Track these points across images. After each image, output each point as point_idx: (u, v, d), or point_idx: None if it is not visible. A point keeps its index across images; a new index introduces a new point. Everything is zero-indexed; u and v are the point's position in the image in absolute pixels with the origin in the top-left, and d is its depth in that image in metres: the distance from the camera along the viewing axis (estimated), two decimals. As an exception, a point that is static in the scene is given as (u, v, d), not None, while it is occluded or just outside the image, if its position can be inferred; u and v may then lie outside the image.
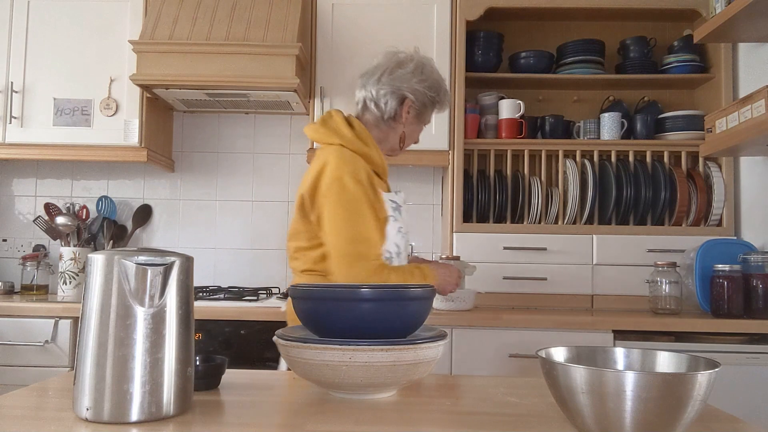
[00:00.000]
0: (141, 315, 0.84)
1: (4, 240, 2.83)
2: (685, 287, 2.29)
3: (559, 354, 0.89)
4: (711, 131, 2.31)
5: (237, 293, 2.39)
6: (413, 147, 1.82)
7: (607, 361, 0.90)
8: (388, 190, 1.67)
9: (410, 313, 1.02)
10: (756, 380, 2.00)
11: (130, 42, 2.36)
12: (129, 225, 2.79)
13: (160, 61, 2.34)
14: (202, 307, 2.15)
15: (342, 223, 1.49)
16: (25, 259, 2.64)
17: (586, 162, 2.51)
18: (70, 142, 2.49)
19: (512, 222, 2.53)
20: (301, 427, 0.83)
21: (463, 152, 2.50)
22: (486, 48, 2.60)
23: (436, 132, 2.45)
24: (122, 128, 2.50)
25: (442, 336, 1.02)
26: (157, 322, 0.85)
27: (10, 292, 2.62)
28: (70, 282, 2.54)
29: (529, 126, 2.61)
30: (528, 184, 2.52)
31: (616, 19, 2.71)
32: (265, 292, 2.52)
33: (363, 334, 0.97)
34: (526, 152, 2.53)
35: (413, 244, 2.76)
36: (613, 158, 2.52)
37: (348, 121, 1.65)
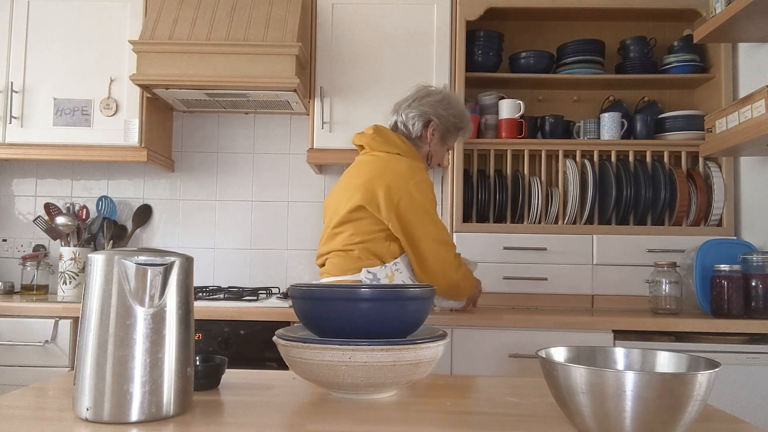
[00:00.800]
0: (141, 315, 0.84)
1: (4, 240, 2.83)
2: (685, 287, 2.29)
3: (559, 354, 0.89)
4: (711, 131, 2.31)
5: (237, 293, 2.39)
6: None
7: (607, 361, 0.90)
8: None
9: (410, 313, 1.02)
10: (756, 380, 2.00)
11: (130, 42, 2.36)
12: (129, 225, 2.79)
13: (160, 61, 2.34)
14: (202, 307, 2.15)
15: (433, 216, 1.81)
16: (25, 259, 2.64)
17: (586, 162, 2.51)
18: (70, 142, 2.49)
19: (512, 222, 2.53)
20: (301, 427, 0.83)
21: (463, 152, 2.50)
22: (486, 48, 2.60)
23: (436, 132, 2.45)
24: (122, 128, 2.50)
25: (442, 336, 1.02)
26: (157, 322, 0.85)
27: (10, 292, 2.62)
28: (70, 282, 2.54)
29: (529, 126, 2.61)
30: (528, 184, 2.52)
31: (616, 19, 2.71)
32: (264, 292, 2.52)
33: (363, 334, 0.97)
34: (526, 152, 2.53)
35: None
36: (613, 158, 2.52)
37: (398, 137, 1.91)
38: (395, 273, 1.80)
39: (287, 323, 2.11)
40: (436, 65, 2.48)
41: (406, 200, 1.76)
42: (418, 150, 1.93)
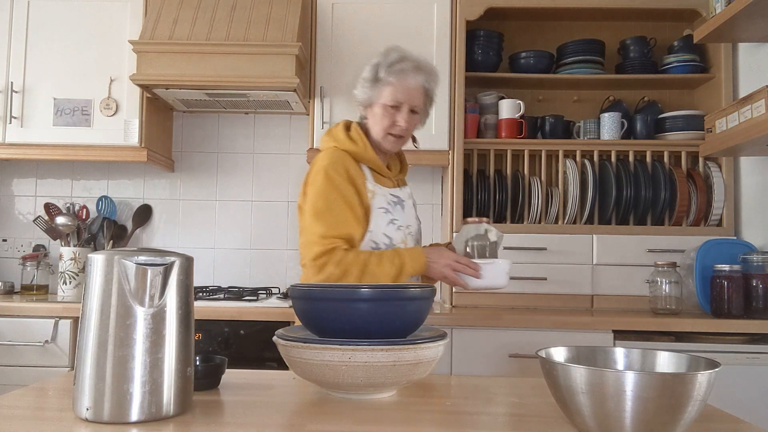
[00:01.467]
0: (141, 315, 0.84)
1: (4, 240, 2.83)
2: (685, 287, 2.29)
3: (559, 354, 0.89)
4: (711, 131, 2.31)
5: (237, 293, 2.39)
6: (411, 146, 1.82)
7: (607, 361, 0.90)
8: (395, 185, 1.76)
9: (410, 313, 1.02)
10: (756, 380, 2.00)
11: (130, 42, 2.36)
12: (129, 225, 2.79)
13: (160, 61, 2.34)
14: (202, 307, 2.15)
15: (309, 210, 1.59)
16: (25, 259, 2.64)
17: (586, 162, 2.51)
18: (70, 142, 2.49)
19: (512, 222, 2.53)
20: (301, 427, 0.83)
21: (463, 152, 2.50)
22: (486, 47, 2.60)
23: (436, 132, 2.45)
24: (122, 128, 2.50)
25: (442, 336, 1.02)
26: (157, 322, 0.85)
27: (10, 292, 2.62)
28: (70, 282, 2.54)
29: (529, 126, 2.61)
30: (528, 184, 2.52)
31: (616, 19, 2.71)
32: (264, 292, 2.52)
33: (363, 334, 0.97)
34: (526, 152, 2.53)
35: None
36: (613, 158, 2.52)
37: (347, 125, 1.75)
38: None
39: (287, 323, 2.11)
40: (436, 65, 2.45)
41: (303, 193, 1.65)
42: (368, 131, 1.72)
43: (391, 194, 1.70)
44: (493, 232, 1.70)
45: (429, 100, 1.75)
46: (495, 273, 1.62)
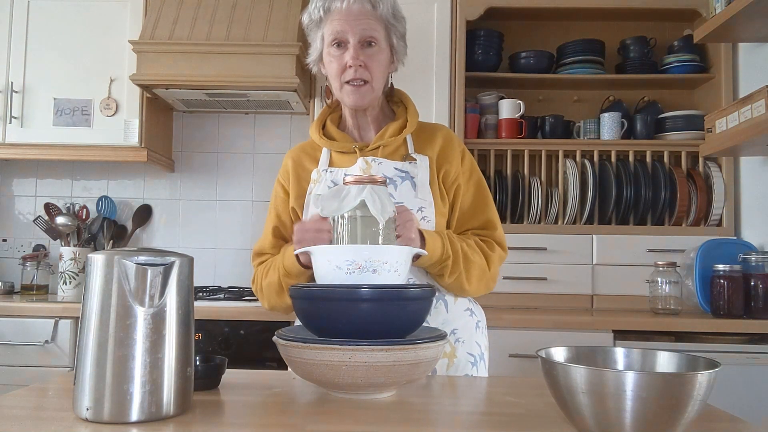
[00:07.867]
0: (141, 315, 0.84)
1: (4, 240, 2.83)
2: (685, 287, 2.29)
3: (559, 354, 0.89)
4: (711, 131, 2.31)
5: (237, 293, 2.39)
6: None
7: (607, 361, 0.90)
8: (353, 163, 1.34)
9: (410, 313, 1.01)
10: (756, 380, 2.00)
11: (130, 42, 2.36)
12: (129, 225, 2.79)
13: (160, 61, 2.34)
14: (202, 307, 2.15)
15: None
16: (25, 259, 2.64)
17: (586, 162, 2.51)
18: (70, 142, 2.49)
19: (512, 222, 2.53)
20: (301, 427, 0.83)
21: (463, 152, 2.49)
22: (486, 47, 2.60)
23: (436, 132, 2.45)
24: (122, 128, 2.50)
25: (442, 336, 1.02)
26: (157, 322, 0.85)
27: (10, 292, 2.62)
28: (70, 282, 2.54)
29: (529, 126, 2.61)
30: (528, 184, 2.52)
31: (616, 19, 2.71)
32: (265, 292, 2.52)
33: (363, 334, 0.97)
34: (526, 152, 2.53)
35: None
36: (613, 158, 2.52)
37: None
38: None
39: (287, 323, 2.11)
40: (436, 65, 2.48)
41: None
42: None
43: (332, 180, 1.32)
44: (374, 204, 1.07)
45: (391, 28, 1.29)
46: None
